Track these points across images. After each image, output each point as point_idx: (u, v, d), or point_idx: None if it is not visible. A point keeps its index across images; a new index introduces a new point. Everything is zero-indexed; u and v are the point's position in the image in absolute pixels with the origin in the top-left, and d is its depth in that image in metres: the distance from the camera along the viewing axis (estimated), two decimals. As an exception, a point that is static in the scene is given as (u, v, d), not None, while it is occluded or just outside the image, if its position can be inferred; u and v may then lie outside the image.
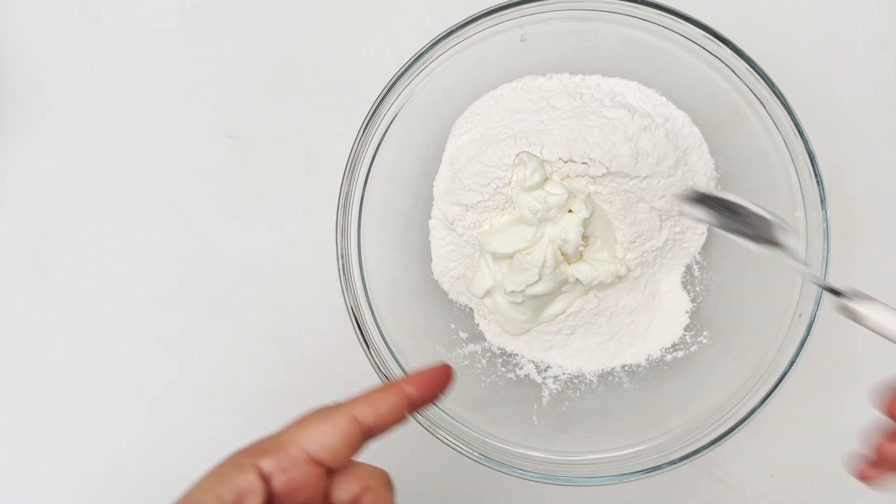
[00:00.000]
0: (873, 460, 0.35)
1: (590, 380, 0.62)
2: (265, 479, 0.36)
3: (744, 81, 0.57)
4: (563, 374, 0.62)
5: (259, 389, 0.66)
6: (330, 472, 0.37)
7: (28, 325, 0.67)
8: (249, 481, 0.35)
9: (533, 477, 0.55)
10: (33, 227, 0.68)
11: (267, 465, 0.36)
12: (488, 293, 0.61)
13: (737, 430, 0.54)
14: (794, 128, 0.55)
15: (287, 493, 0.36)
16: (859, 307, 0.39)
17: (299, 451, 0.36)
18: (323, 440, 0.36)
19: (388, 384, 0.39)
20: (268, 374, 0.66)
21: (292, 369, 0.66)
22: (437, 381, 0.39)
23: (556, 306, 0.61)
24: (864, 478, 0.35)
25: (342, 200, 0.57)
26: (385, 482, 0.38)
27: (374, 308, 0.58)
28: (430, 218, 0.62)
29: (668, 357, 0.62)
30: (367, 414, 0.37)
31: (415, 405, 0.39)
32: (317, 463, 0.36)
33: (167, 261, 0.67)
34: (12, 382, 0.67)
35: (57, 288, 0.67)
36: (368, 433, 0.38)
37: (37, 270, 0.67)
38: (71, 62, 0.68)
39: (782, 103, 0.56)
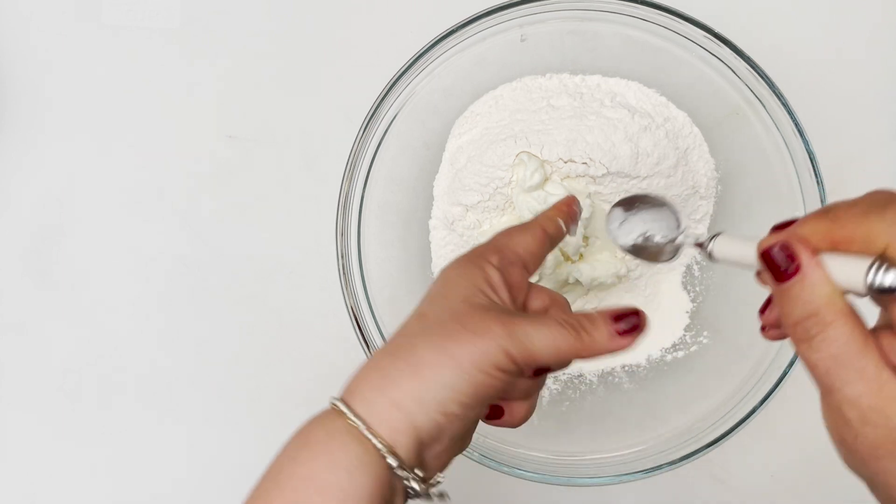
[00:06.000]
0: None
1: (590, 380, 0.62)
2: (500, 273, 0.43)
3: (744, 81, 0.57)
4: (563, 374, 0.62)
5: (259, 389, 0.66)
6: (529, 274, 0.44)
7: (28, 324, 0.67)
8: (495, 275, 0.42)
9: (533, 477, 0.55)
10: (33, 227, 0.68)
11: (495, 260, 0.43)
12: (488, 293, 0.61)
13: (737, 430, 0.54)
14: (794, 128, 0.55)
15: (508, 286, 0.42)
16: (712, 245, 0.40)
17: (513, 254, 0.44)
18: (527, 246, 0.44)
19: (550, 209, 0.49)
20: (268, 374, 0.66)
21: (292, 369, 0.66)
22: (569, 200, 0.50)
23: (556, 306, 0.60)
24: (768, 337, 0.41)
25: (342, 200, 0.57)
26: (565, 302, 0.45)
27: (374, 308, 0.58)
28: (430, 218, 0.62)
29: (668, 357, 0.62)
30: (549, 226, 0.47)
31: (567, 216, 0.49)
32: (523, 264, 0.44)
33: (167, 261, 0.67)
34: (12, 381, 0.67)
35: (57, 288, 0.67)
36: (551, 240, 0.47)
37: (37, 270, 0.67)
38: (71, 62, 0.68)
39: (782, 103, 0.56)
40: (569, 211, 0.49)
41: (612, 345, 0.40)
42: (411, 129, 0.60)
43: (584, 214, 0.57)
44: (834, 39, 0.67)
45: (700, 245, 0.41)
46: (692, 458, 0.55)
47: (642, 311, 0.40)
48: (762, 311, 0.40)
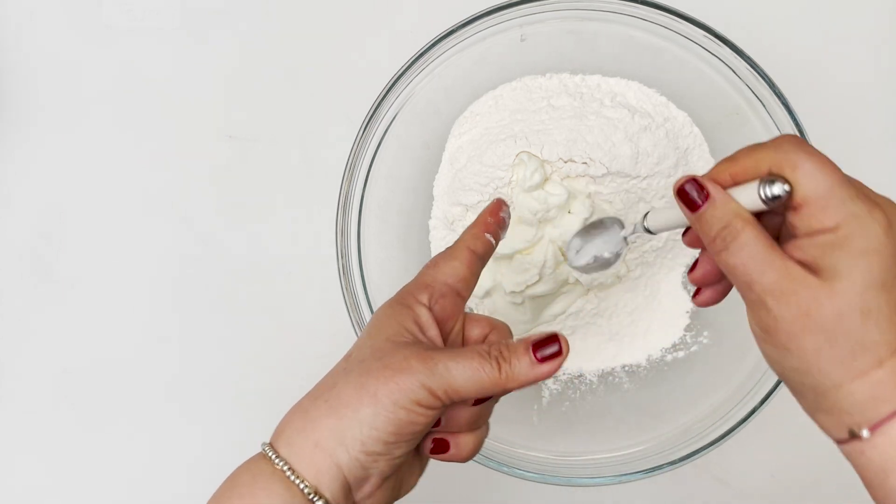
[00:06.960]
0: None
1: (590, 380, 0.62)
2: (430, 310, 0.44)
3: (744, 81, 0.57)
4: (564, 374, 0.62)
5: (258, 389, 0.66)
6: (463, 300, 0.45)
7: (28, 324, 0.67)
8: (424, 313, 0.43)
9: (533, 477, 0.55)
10: (33, 227, 0.68)
11: (425, 298, 0.44)
12: (488, 293, 0.61)
13: (737, 430, 0.54)
14: (795, 128, 0.55)
15: (441, 320, 0.44)
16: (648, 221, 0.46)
17: (443, 286, 0.44)
18: (457, 272, 0.45)
19: (475, 222, 0.48)
20: (268, 374, 0.66)
21: (292, 369, 0.66)
22: (496, 207, 0.49)
23: (557, 307, 0.61)
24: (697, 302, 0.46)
25: (342, 200, 0.57)
26: (506, 328, 0.46)
27: (373, 308, 0.58)
28: (430, 218, 0.62)
29: (669, 357, 0.62)
30: (476, 245, 0.46)
31: (496, 227, 0.48)
32: (456, 293, 0.44)
33: (167, 260, 0.67)
34: (13, 381, 0.67)
35: (57, 288, 0.67)
36: (481, 260, 0.46)
37: (37, 270, 0.67)
38: (70, 62, 0.68)
39: (782, 103, 0.56)
40: (495, 221, 0.48)
41: (533, 373, 0.41)
42: (411, 129, 0.60)
43: (584, 214, 0.57)
44: (834, 39, 0.67)
45: (646, 229, 0.47)
46: (692, 458, 0.55)
47: (563, 336, 0.41)
48: (691, 271, 0.45)
